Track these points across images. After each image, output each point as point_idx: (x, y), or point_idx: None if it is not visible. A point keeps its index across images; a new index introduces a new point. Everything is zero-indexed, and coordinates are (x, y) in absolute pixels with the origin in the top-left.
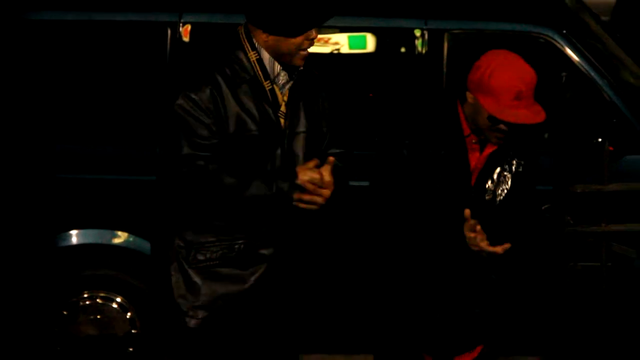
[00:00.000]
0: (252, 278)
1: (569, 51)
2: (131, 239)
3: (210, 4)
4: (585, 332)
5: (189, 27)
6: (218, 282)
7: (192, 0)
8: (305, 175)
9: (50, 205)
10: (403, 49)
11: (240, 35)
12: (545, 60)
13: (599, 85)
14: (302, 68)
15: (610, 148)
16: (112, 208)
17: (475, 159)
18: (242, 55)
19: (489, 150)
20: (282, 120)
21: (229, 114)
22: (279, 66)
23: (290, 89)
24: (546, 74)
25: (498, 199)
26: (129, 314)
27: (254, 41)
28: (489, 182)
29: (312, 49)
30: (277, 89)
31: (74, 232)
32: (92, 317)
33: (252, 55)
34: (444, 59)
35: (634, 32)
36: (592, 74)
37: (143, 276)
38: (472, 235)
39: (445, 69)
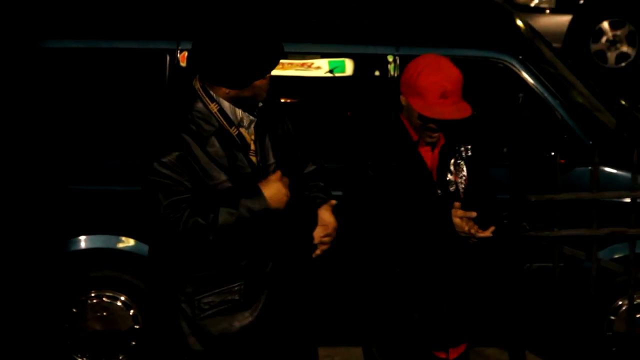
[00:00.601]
0: (258, 309)
1: (525, 75)
2: (134, 244)
3: None
4: (539, 324)
5: (186, 53)
6: (226, 323)
7: (188, 30)
8: (318, 235)
9: (62, 214)
10: (377, 73)
11: (198, 91)
12: (504, 83)
13: (552, 105)
14: (262, 103)
15: (562, 161)
16: (117, 216)
17: (429, 158)
18: (203, 109)
19: (438, 147)
20: (253, 159)
21: (202, 169)
22: (239, 110)
23: (255, 126)
24: (505, 95)
25: (461, 187)
26: (132, 311)
27: (212, 94)
28: (449, 175)
29: (298, 73)
30: (243, 131)
31: (82, 238)
32: (98, 314)
33: (213, 107)
34: None
35: (583, 58)
36: (546, 95)
37: (145, 277)
38: (466, 226)
39: None
